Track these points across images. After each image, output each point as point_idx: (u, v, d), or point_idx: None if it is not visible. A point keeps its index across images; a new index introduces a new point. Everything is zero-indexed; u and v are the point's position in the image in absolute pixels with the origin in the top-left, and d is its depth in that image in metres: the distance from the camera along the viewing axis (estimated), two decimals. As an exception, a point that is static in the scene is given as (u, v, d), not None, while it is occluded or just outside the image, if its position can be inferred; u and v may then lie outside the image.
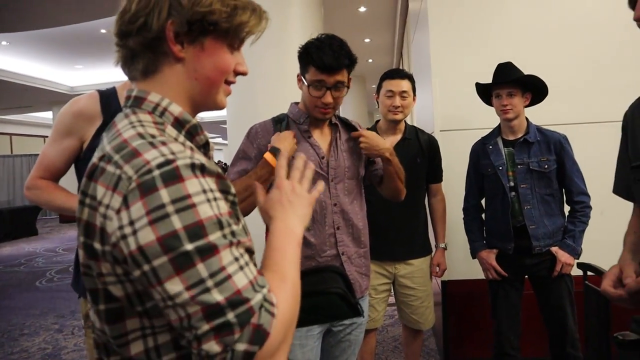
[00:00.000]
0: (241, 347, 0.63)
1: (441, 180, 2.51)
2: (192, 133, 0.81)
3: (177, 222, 0.63)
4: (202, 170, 0.68)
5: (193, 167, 0.67)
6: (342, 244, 1.62)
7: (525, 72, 2.16)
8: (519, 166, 2.18)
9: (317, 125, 1.65)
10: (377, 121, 2.50)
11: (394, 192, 1.78)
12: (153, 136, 0.71)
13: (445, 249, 2.48)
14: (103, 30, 7.46)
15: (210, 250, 0.64)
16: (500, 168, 2.20)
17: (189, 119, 0.80)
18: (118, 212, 0.65)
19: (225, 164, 20.54)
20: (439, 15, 2.96)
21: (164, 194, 0.63)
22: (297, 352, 1.56)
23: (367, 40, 8.41)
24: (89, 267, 0.72)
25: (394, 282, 2.43)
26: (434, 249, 2.49)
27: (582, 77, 2.81)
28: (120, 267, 0.68)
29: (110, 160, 0.70)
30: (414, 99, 2.38)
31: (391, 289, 2.48)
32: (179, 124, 0.79)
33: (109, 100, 1.57)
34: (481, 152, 2.30)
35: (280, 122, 1.64)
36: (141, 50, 0.78)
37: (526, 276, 2.27)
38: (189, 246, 0.63)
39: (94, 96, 1.57)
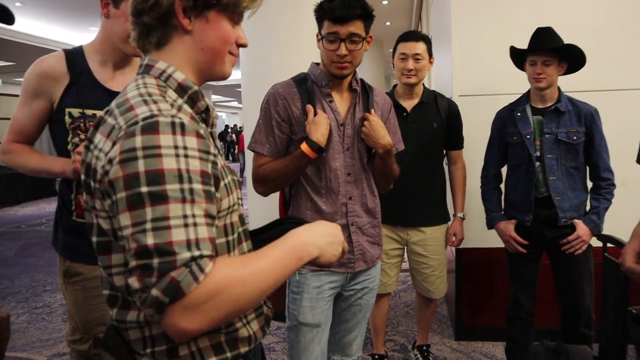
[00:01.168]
0: (154, 292, 0.67)
1: (462, 147, 2.45)
2: (194, 99, 0.89)
3: (141, 166, 0.71)
4: (182, 128, 0.75)
5: (173, 125, 0.75)
6: (352, 214, 1.60)
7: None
8: (546, 135, 2.10)
9: (338, 88, 1.61)
10: (395, 85, 2.44)
11: (376, 182, 1.70)
12: (150, 95, 0.81)
13: (463, 218, 2.44)
14: (117, -10, 7.33)
15: (161, 198, 0.70)
16: (528, 137, 2.12)
17: (191, 86, 0.89)
18: (106, 154, 0.76)
19: (240, 127, 20.56)
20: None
21: (138, 140, 0.72)
22: (307, 314, 1.58)
23: (384, 2, 8.15)
24: (87, 203, 0.84)
25: (406, 248, 2.43)
26: (451, 218, 2.46)
27: (608, 43, 2.67)
28: (106, 202, 0.77)
29: (111, 114, 0.82)
30: (430, 62, 2.31)
31: (404, 255, 2.48)
32: (181, 89, 0.88)
33: (75, 59, 1.52)
34: (508, 119, 2.21)
35: (303, 83, 1.60)
36: (154, 25, 0.87)
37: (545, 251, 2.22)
38: (144, 189, 0.70)
39: (59, 56, 1.53)
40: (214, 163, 0.79)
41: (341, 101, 1.62)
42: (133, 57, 1.54)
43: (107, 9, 1.46)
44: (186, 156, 0.73)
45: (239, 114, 25.35)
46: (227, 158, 21.45)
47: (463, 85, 2.82)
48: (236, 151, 17.36)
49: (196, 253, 0.69)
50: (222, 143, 22.53)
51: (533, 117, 2.14)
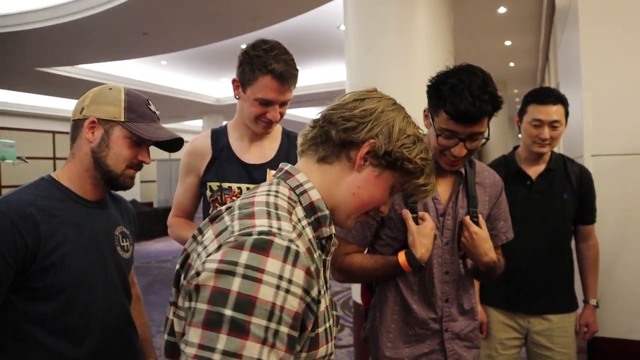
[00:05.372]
0: None
1: (594, 222, 2.04)
2: (321, 222, 0.84)
3: (236, 285, 0.64)
4: (296, 258, 0.69)
5: (287, 250, 0.68)
6: (448, 319, 1.37)
7: None
8: None
9: (440, 172, 1.38)
10: (516, 147, 2.09)
11: (476, 277, 1.50)
12: (276, 207, 0.76)
13: (596, 306, 2.01)
14: (243, 46, 7.98)
15: (241, 330, 0.63)
16: None
17: (323, 209, 0.84)
18: (208, 255, 0.69)
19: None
20: (592, 12, 2.41)
21: (244, 255, 0.66)
22: None
23: (507, 43, 7.72)
24: (171, 295, 0.80)
25: (526, 338, 2.06)
26: (580, 304, 2.06)
27: None
28: (186, 303, 0.71)
29: (231, 212, 0.76)
30: (565, 126, 1.94)
31: (523, 345, 2.11)
32: (311, 208, 0.83)
33: (218, 136, 1.63)
34: None
35: None
36: (335, 142, 0.84)
37: None
38: (228, 312, 0.64)
39: (206, 134, 1.65)
40: (309, 307, 0.71)
41: (443, 186, 1.40)
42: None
43: (238, 91, 1.53)
44: (287, 291, 0.67)
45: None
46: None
47: (597, 142, 2.39)
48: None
49: None
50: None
51: None
